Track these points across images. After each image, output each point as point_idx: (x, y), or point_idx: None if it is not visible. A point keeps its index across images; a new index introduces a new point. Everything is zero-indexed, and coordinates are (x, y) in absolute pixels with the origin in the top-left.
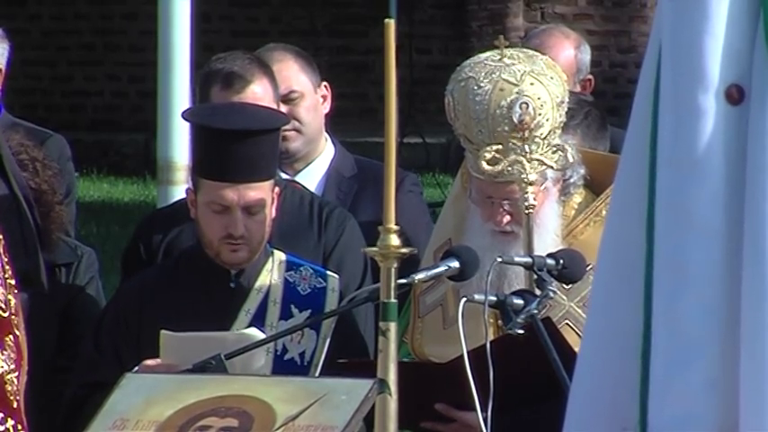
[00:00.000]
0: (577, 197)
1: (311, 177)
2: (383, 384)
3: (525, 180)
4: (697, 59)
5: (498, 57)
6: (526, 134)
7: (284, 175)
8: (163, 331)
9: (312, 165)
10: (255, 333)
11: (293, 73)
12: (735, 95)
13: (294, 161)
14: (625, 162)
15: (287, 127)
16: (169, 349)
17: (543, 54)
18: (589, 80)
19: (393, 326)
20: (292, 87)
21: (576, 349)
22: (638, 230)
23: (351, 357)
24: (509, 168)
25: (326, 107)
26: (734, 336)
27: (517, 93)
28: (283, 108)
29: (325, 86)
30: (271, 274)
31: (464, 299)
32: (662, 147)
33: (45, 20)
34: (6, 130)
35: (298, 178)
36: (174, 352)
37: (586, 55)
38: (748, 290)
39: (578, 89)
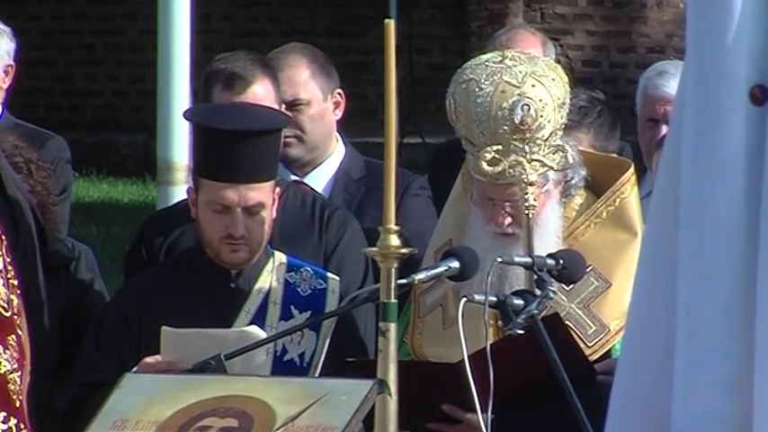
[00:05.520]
0: (578, 198)
1: (320, 179)
2: (383, 385)
3: (525, 180)
4: (721, 59)
5: (499, 58)
6: (527, 135)
7: (293, 176)
8: (164, 327)
9: (321, 166)
10: (256, 331)
11: (303, 80)
12: (758, 96)
13: (299, 166)
14: (663, 165)
15: (288, 133)
16: (169, 345)
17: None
18: None
19: (393, 326)
20: (299, 95)
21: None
22: (675, 233)
23: (353, 357)
24: (510, 170)
25: (338, 114)
26: (753, 335)
27: (519, 94)
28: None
29: (339, 93)
30: (271, 274)
31: (464, 299)
32: (685, 146)
33: (45, 20)
34: (2, 132)
35: (306, 179)
36: (174, 348)
37: (552, 53)
38: (764, 290)
39: None
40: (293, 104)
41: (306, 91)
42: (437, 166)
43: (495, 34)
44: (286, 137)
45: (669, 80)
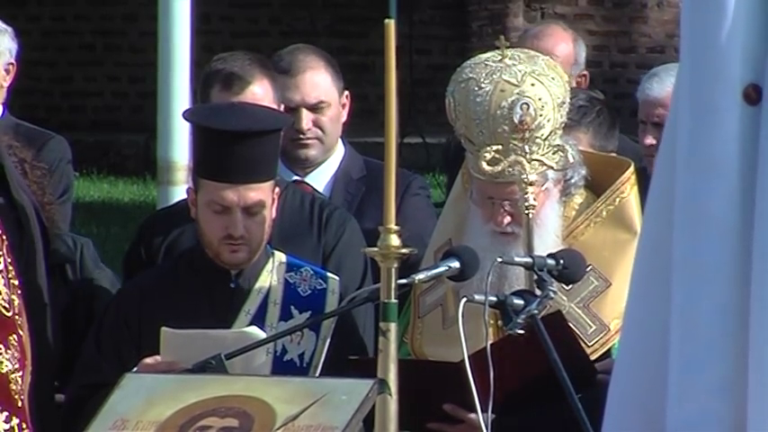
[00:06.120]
0: (578, 198)
1: (320, 178)
2: (383, 384)
3: (525, 180)
4: (715, 59)
5: (499, 57)
6: (527, 135)
7: (294, 176)
8: (163, 328)
9: (322, 166)
10: (256, 331)
11: (324, 82)
12: (753, 95)
13: (304, 166)
14: (659, 166)
15: (310, 135)
16: (169, 346)
17: (540, 46)
18: (584, 76)
19: (393, 326)
20: (321, 98)
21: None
22: (670, 234)
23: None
24: (509, 169)
25: (345, 115)
26: (748, 336)
27: (518, 93)
28: (309, 115)
29: (347, 96)
30: (271, 274)
31: (464, 299)
32: (680, 147)
33: (45, 20)
34: None
35: (307, 179)
36: (174, 349)
37: (582, 51)
38: (758, 290)
39: (573, 83)
40: (317, 106)
41: (327, 93)
42: (452, 163)
43: (525, 29)
44: (308, 138)
45: (654, 83)
